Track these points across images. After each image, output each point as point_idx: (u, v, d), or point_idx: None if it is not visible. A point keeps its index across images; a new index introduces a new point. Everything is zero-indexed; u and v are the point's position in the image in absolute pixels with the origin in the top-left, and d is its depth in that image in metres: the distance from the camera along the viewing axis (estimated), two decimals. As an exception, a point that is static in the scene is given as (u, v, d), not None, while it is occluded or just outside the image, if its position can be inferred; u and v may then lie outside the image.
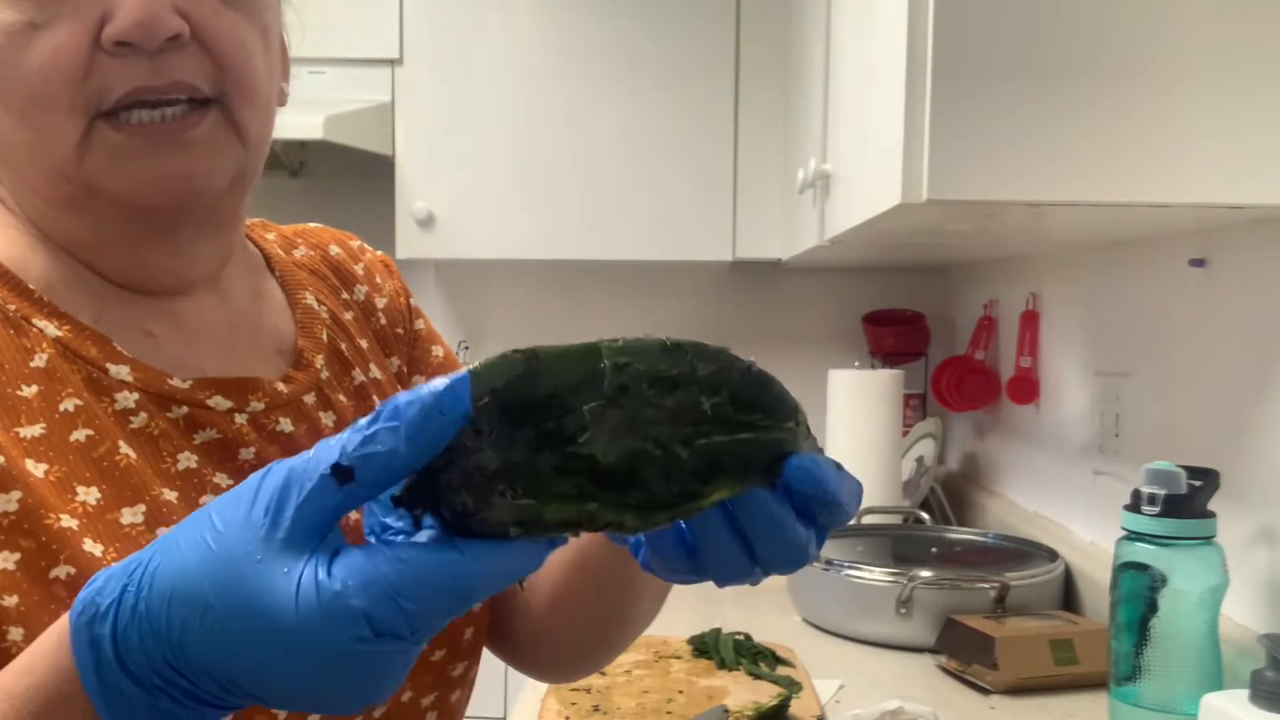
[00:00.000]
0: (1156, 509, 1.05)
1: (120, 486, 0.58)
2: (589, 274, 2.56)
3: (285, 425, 0.66)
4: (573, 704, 1.15)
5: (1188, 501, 1.05)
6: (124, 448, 0.59)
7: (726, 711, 1.12)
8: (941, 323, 2.47)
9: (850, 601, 1.47)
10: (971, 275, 2.31)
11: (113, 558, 0.55)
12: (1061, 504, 1.72)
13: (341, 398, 0.70)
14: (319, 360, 0.70)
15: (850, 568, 1.48)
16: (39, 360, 0.59)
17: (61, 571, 0.54)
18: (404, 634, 0.40)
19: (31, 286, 0.61)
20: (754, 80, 2.20)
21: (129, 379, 0.61)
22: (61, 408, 0.58)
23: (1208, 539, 1.06)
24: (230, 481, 0.62)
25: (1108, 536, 1.34)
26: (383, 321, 0.77)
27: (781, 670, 1.27)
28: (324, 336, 0.71)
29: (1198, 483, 1.06)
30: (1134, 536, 1.08)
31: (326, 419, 0.68)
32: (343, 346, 0.72)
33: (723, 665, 1.26)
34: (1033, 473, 1.87)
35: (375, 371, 0.74)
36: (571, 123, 2.21)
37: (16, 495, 0.54)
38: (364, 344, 0.74)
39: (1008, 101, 1.03)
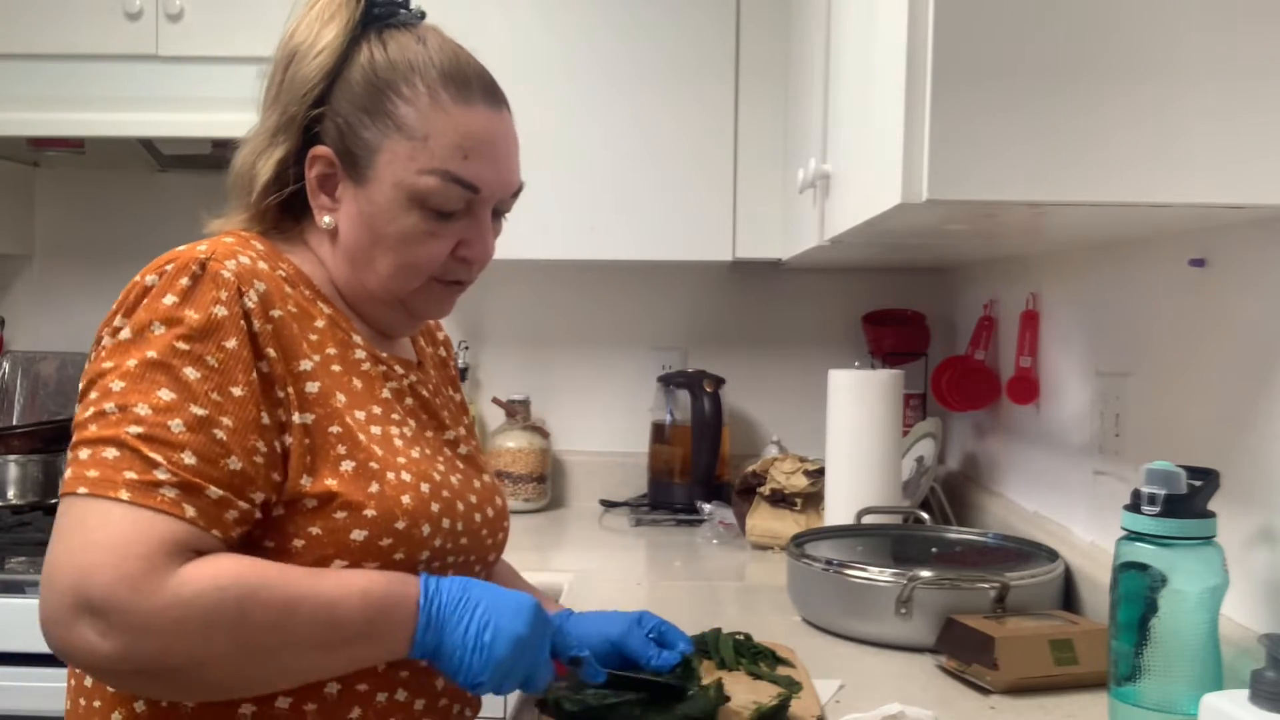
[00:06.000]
0: (1156, 509, 1.05)
1: (356, 398, 1.03)
2: (589, 274, 2.56)
3: (423, 390, 1.14)
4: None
5: (1188, 501, 1.05)
6: (356, 380, 1.04)
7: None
8: (941, 323, 2.47)
9: (850, 601, 1.47)
10: (971, 275, 2.31)
11: (354, 430, 0.99)
12: (1061, 504, 1.72)
13: (433, 388, 1.17)
14: (427, 368, 1.21)
15: (850, 568, 1.48)
16: (320, 322, 1.04)
17: (335, 430, 0.99)
18: None
19: (319, 287, 1.07)
20: (754, 80, 2.20)
21: (360, 343, 1.08)
22: (327, 350, 1.03)
23: (1208, 539, 1.06)
24: (399, 415, 1.07)
25: (1108, 536, 1.34)
26: (443, 353, 1.30)
27: (781, 670, 1.26)
28: (425, 359, 1.22)
29: (1198, 483, 1.06)
30: (1134, 536, 1.08)
31: (431, 396, 1.16)
32: (430, 368, 1.22)
33: (723, 665, 1.26)
34: (1033, 473, 1.87)
35: (439, 382, 1.23)
36: (571, 122, 2.21)
37: (317, 384, 0.99)
38: (432, 371, 1.22)
39: (1008, 101, 1.03)
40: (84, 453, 0.89)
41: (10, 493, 2.18)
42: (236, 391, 0.92)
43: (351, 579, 0.94)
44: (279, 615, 0.89)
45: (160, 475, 0.88)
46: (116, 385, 0.91)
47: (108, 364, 0.92)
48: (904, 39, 1.06)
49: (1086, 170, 1.04)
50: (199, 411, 0.90)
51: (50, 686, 1.07)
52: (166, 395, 0.90)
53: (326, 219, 1.07)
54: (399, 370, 1.11)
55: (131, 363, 0.91)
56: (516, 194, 1.12)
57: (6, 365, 2.60)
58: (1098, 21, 1.03)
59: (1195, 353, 1.31)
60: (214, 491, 0.90)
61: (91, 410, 0.91)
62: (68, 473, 0.90)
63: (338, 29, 1.05)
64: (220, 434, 0.91)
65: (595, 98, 2.21)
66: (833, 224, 1.58)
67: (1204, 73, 1.03)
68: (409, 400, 1.11)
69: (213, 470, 0.90)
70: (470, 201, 1.06)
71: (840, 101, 1.55)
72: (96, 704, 1.00)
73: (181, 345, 0.92)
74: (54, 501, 2.07)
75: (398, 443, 1.04)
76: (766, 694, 1.16)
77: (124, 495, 0.87)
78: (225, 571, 0.88)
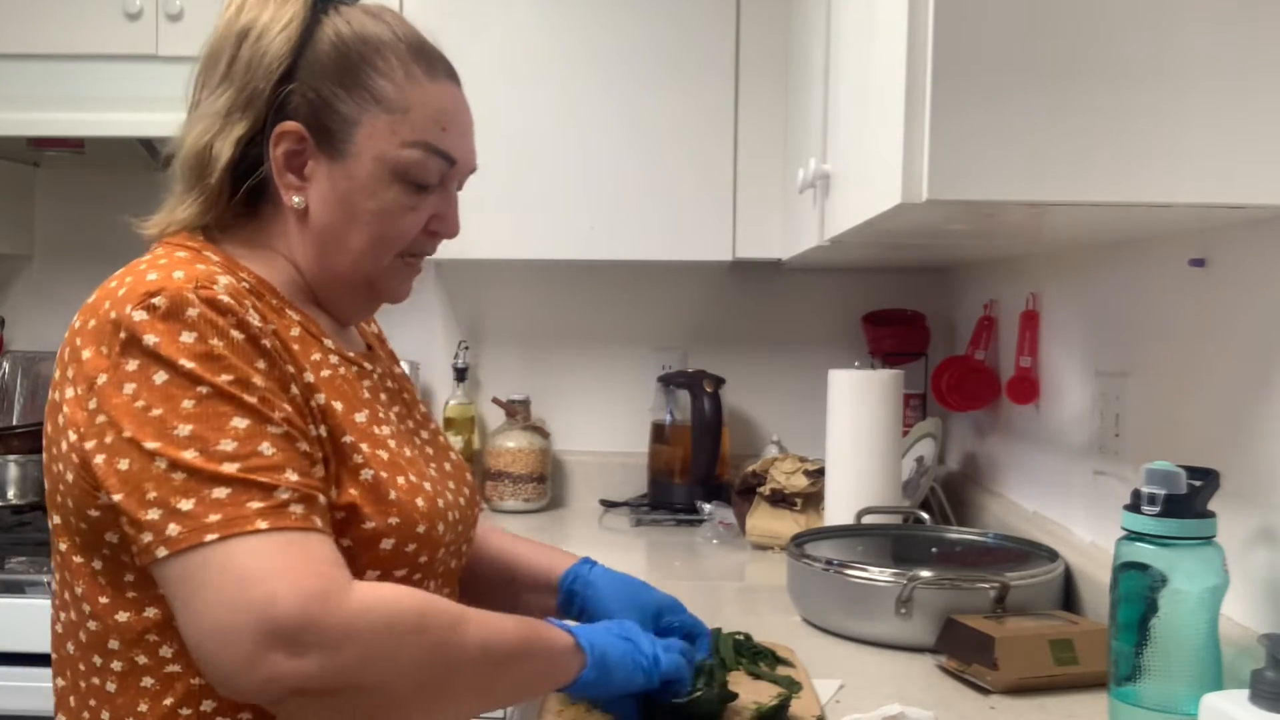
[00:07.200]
0: (1156, 509, 1.06)
1: (350, 403, 1.02)
2: (589, 274, 2.56)
3: (388, 381, 1.14)
4: (574, 702, 1.15)
5: (1188, 501, 1.05)
6: (344, 384, 1.03)
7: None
8: (941, 323, 2.47)
9: (850, 601, 1.47)
10: (971, 275, 2.31)
11: (359, 438, 0.99)
12: (1061, 504, 1.72)
13: (390, 373, 1.18)
14: (378, 351, 1.20)
15: (850, 568, 1.48)
16: (294, 330, 1.02)
17: (347, 439, 0.98)
18: None
19: (284, 294, 1.04)
20: (754, 80, 2.20)
21: (332, 347, 1.05)
22: (312, 357, 1.01)
23: (1208, 539, 1.06)
24: (382, 413, 1.06)
25: (1108, 536, 1.34)
26: (375, 329, 1.27)
27: (781, 670, 1.27)
28: (371, 342, 1.21)
29: (1198, 483, 1.06)
30: (1134, 536, 1.08)
31: (393, 385, 1.16)
32: (379, 350, 1.22)
33: (723, 665, 1.26)
34: (1033, 473, 1.87)
35: (388, 362, 1.21)
36: (571, 122, 2.21)
37: (323, 395, 0.98)
38: (381, 353, 1.21)
39: (1008, 101, 1.03)
40: (184, 503, 0.85)
41: (10, 493, 2.18)
42: (288, 408, 0.93)
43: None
44: (451, 625, 0.92)
45: (283, 495, 0.87)
46: (183, 430, 0.87)
47: (156, 410, 0.87)
48: (904, 38, 1.06)
49: (1086, 170, 1.04)
50: (276, 431, 0.90)
51: (50, 686, 1.06)
52: (241, 423, 0.88)
53: (296, 199, 1.03)
54: (367, 366, 1.11)
55: (188, 404, 0.87)
56: (471, 172, 1.13)
57: (6, 365, 2.60)
58: (1097, 22, 1.03)
59: (1195, 353, 1.31)
60: (323, 499, 0.92)
61: (164, 461, 0.86)
62: (172, 528, 0.84)
63: (297, 5, 1.04)
64: (303, 445, 0.92)
65: (594, 97, 2.21)
66: (833, 224, 1.58)
67: (1204, 73, 1.03)
68: (382, 395, 1.11)
69: (312, 480, 0.91)
70: (444, 175, 1.07)
71: (840, 101, 1.55)
72: (92, 703, 0.97)
73: (226, 376, 0.89)
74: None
75: (393, 443, 1.04)
76: (766, 694, 1.16)
77: (262, 525, 0.85)
78: (394, 589, 0.92)
